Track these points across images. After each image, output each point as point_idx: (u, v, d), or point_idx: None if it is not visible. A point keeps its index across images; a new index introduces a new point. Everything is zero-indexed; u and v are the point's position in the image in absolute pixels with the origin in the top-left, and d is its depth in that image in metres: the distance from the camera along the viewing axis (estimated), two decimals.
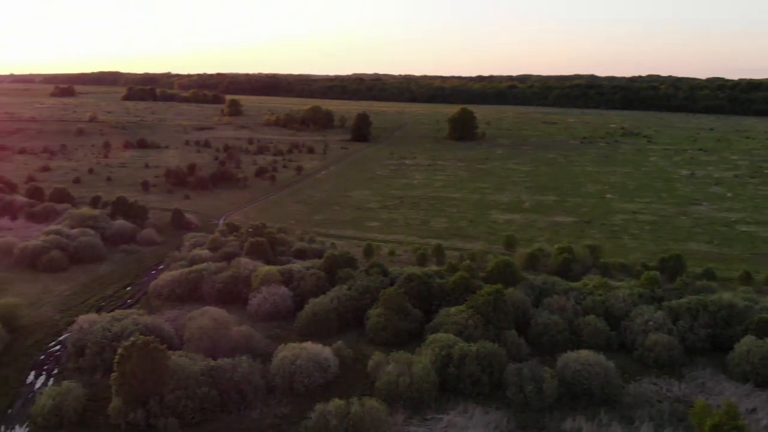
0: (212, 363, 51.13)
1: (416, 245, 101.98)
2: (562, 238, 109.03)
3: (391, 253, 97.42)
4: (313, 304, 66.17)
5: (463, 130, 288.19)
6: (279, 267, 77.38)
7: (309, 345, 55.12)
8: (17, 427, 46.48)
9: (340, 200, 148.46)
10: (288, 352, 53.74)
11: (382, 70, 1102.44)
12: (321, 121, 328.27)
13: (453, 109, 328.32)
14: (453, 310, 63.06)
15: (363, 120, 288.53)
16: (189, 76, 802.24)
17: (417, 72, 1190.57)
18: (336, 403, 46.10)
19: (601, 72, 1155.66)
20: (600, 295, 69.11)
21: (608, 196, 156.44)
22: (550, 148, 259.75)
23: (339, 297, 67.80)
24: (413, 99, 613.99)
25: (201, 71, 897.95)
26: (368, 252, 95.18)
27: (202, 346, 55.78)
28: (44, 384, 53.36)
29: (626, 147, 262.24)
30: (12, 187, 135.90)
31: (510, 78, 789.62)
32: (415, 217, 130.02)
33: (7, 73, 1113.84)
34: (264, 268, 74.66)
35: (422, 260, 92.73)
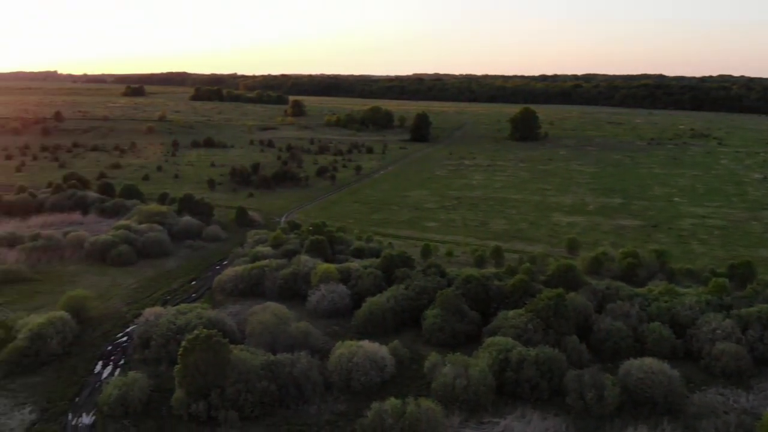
0: (272, 358, 52.08)
1: (474, 246, 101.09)
2: (627, 242, 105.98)
3: (449, 253, 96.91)
4: (370, 302, 66.54)
5: (524, 130, 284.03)
6: (337, 265, 78.20)
7: (366, 343, 55.43)
8: (84, 415, 48.30)
9: (398, 200, 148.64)
10: (345, 349, 54.19)
11: (442, 69, 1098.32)
12: (380, 122, 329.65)
13: (514, 109, 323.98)
14: (512, 313, 62.23)
15: (422, 120, 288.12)
16: (254, 77, 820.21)
17: (478, 71, 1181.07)
18: (392, 402, 46.19)
19: (670, 72, 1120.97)
20: (666, 301, 66.86)
21: (676, 199, 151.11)
22: (616, 149, 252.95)
23: (396, 296, 67.94)
24: (474, 99, 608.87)
25: (266, 72, 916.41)
26: (425, 252, 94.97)
27: (263, 341, 56.89)
28: (111, 374, 55.30)
29: (695, 149, 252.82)
30: (84, 183, 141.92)
31: (575, 77, 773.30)
32: (473, 218, 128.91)
33: (80, 73, 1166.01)
34: (323, 266, 75.61)
35: (480, 262, 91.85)
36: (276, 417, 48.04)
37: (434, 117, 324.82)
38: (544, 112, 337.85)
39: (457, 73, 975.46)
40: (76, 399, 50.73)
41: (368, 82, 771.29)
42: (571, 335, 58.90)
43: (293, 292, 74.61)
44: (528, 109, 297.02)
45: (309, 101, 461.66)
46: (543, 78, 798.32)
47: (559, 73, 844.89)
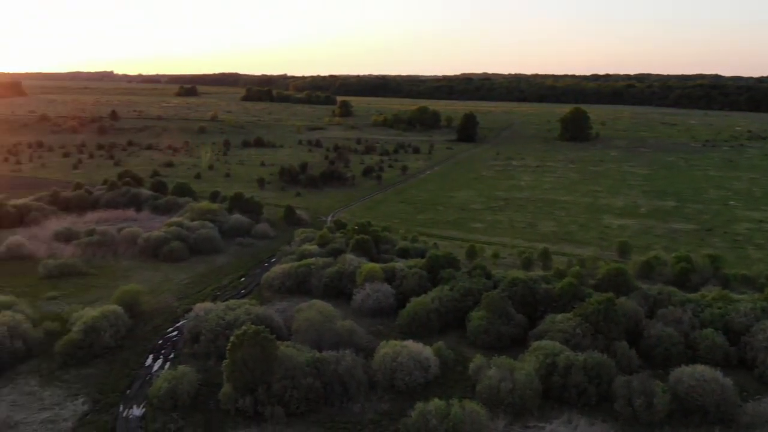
0: (317, 355, 52.58)
1: (521, 248, 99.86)
2: (680, 246, 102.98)
3: (495, 255, 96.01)
4: (415, 303, 66.48)
5: (575, 130, 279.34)
6: (382, 264, 78.41)
7: (410, 343, 55.43)
8: (135, 407, 49.60)
9: (444, 200, 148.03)
10: (389, 349, 54.30)
11: (491, 69, 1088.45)
12: (427, 122, 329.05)
13: (565, 109, 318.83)
14: (559, 317, 61.26)
15: (469, 120, 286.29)
16: (303, 77, 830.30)
17: (527, 71, 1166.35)
18: (436, 403, 46.07)
19: (726, 72, 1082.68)
20: (719, 308, 64.73)
21: (732, 203, 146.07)
22: (670, 150, 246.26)
23: (440, 297, 67.69)
24: (523, 98, 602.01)
25: (315, 73, 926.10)
26: (471, 253, 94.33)
27: (309, 338, 57.48)
28: (161, 367, 56.65)
29: (753, 151, 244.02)
30: (138, 181, 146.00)
31: (627, 77, 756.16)
32: (521, 220, 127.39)
33: (135, 73, 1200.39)
34: (368, 265, 75.94)
35: (527, 264, 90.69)
36: (321, 414, 48.48)
37: (482, 117, 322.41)
38: (595, 112, 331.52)
39: (505, 72, 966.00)
40: (127, 391, 52.09)
41: (416, 82, 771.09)
42: (620, 341, 57.67)
43: (338, 290, 75.20)
44: (579, 109, 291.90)
45: (356, 101, 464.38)
46: (594, 78, 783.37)
47: (611, 72, 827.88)
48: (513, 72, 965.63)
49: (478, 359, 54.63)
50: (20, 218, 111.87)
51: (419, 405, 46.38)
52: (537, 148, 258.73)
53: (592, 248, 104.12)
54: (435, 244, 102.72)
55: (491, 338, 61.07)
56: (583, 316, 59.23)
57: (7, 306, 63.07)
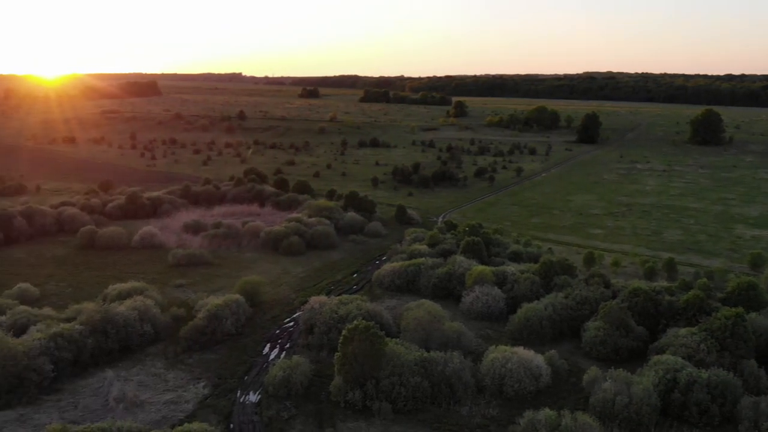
0: (425, 354, 52.71)
1: (644, 257, 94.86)
2: None
3: (615, 263, 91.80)
4: (527, 308, 64.92)
5: (707, 133, 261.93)
6: (493, 268, 77.24)
7: (521, 350, 54.24)
8: (251, 393, 51.83)
9: (561, 204, 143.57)
10: (499, 354, 53.44)
11: (615, 67, 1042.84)
12: (545, 122, 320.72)
13: (696, 111, 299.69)
14: (683, 331, 57.60)
15: (591, 120, 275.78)
16: (420, 78, 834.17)
17: (655, 70, 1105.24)
18: (546, 413, 44.79)
19: None
20: None
21: None
22: None
23: (554, 304, 65.65)
24: (650, 99, 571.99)
25: (431, 74, 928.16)
26: (589, 260, 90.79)
27: (417, 337, 57.75)
28: (277, 356, 58.86)
29: None
30: (263, 178, 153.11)
31: (765, 77, 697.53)
32: (644, 227, 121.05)
33: (262, 75, 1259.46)
34: (478, 268, 75.09)
35: (650, 274, 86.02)
36: (427, 413, 48.54)
37: (605, 117, 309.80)
38: (729, 114, 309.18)
39: (631, 71, 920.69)
40: (245, 377, 54.50)
41: (535, 81, 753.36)
42: (749, 359, 53.37)
43: (447, 291, 74.95)
44: (711, 110, 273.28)
45: (472, 102, 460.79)
46: (729, 78, 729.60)
47: (747, 72, 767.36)
48: (639, 71, 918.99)
49: (593, 371, 52.51)
50: (154, 210, 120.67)
51: (528, 413, 45.30)
52: (664, 151, 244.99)
53: (721, 260, 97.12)
54: (549, 249, 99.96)
55: (608, 350, 58.53)
56: (708, 331, 55.37)
57: (139, 291, 68.13)
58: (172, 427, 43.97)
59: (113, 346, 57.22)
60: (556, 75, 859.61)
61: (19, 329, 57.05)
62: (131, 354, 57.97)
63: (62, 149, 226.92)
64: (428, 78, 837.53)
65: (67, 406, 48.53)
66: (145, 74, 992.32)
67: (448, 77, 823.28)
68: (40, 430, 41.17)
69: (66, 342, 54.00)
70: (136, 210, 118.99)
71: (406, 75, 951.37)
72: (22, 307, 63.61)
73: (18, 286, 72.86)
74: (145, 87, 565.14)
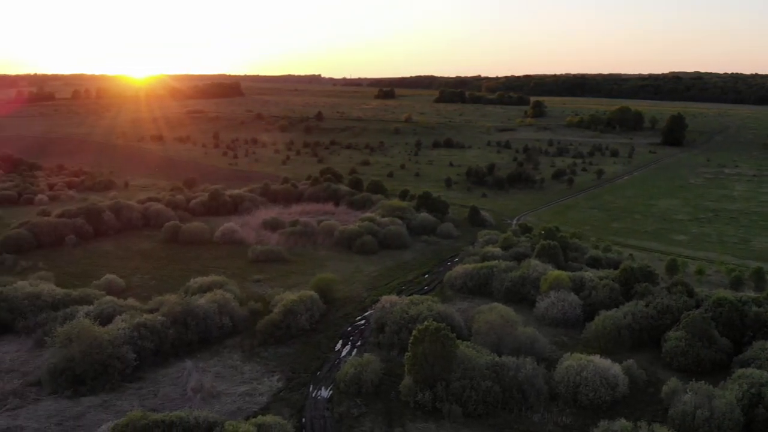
0: (497, 359, 52.02)
1: (731, 266, 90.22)
2: None
3: (699, 271, 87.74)
4: (605, 316, 62.88)
5: None
6: (570, 273, 75.24)
7: (597, 358, 52.64)
8: (323, 388, 52.56)
9: (643, 209, 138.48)
10: (574, 361, 52.07)
11: (703, 67, 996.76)
12: (628, 123, 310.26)
13: None
14: None
15: (677, 122, 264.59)
16: (497, 78, 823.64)
17: (746, 70, 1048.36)
18: (623, 424, 43.30)
19: None
20: None
21: None
22: None
23: (634, 313, 63.29)
24: (739, 100, 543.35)
25: (509, 74, 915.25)
26: (671, 268, 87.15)
27: (488, 341, 57.08)
28: (349, 353, 59.43)
29: None
30: (338, 178, 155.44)
31: None
32: (732, 234, 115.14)
33: (340, 76, 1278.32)
34: (554, 273, 73.36)
35: (736, 284, 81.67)
36: (498, 418, 47.89)
37: (691, 119, 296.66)
38: None
39: (720, 71, 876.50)
40: (318, 373, 55.32)
41: (618, 81, 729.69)
42: None
43: (521, 295, 73.63)
44: None
45: (551, 102, 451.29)
46: None
47: None
48: (729, 71, 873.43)
49: (672, 382, 50.34)
50: (235, 207, 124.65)
51: (604, 423, 43.93)
52: (755, 155, 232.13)
53: None
54: (630, 255, 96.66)
55: (689, 361, 55.97)
56: None
57: (219, 285, 70.48)
58: (247, 418, 45.18)
59: (193, 337, 59.42)
60: (640, 75, 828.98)
61: (105, 318, 60.07)
62: (210, 345, 59.98)
63: (150, 147, 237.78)
64: (505, 78, 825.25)
65: (148, 394, 50.73)
66: (229, 76, 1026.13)
67: (526, 77, 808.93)
68: (122, 416, 43.18)
69: (149, 332, 56.50)
70: (218, 207, 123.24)
71: (483, 75, 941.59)
72: (109, 298, 67.03)
73: (105, 277, 76.91)
74: (228, 88, 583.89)
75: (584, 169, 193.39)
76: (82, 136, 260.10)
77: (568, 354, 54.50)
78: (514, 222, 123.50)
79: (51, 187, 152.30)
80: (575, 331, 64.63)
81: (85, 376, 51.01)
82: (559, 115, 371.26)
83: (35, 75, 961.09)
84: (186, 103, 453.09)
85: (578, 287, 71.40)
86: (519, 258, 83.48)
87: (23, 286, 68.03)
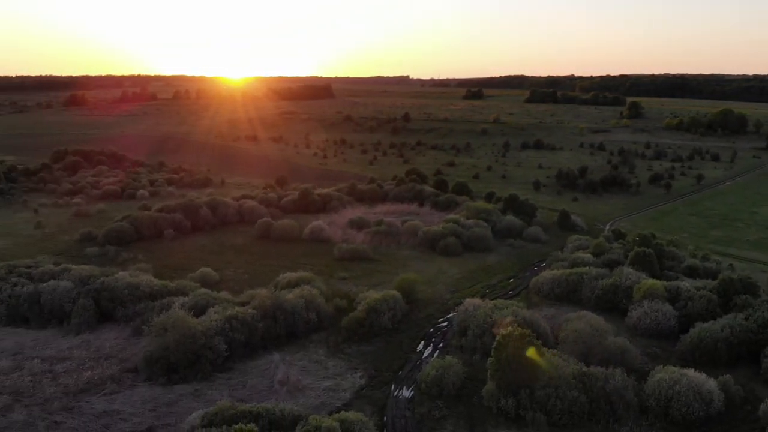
0: (584, 369, 50.57)
1: None
2: None
3: None
4: (701, 329, 59.71)
5: None
6: (665, 282, 71.88)
7: (691, 372, 50.12)
8: (404, 388, 52.77)
9: (746, 216, 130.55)
10: (666, 374, 49.80)
11: None
12: (731, 126, 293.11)
13: None
14: None
15: None
16: (591, 78, 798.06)
17: None
18: None
19: None
20: None
21: None
22: None
23: (732, 326, 59.69)
24: None
25: (604, 73, 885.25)
26: None
27: (576, 350, 55.54)
28: (431, 355, 59.40)
29: None
30: (423, 178, 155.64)
31: None
32: None
33: (428, 77, 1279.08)
34: (648, 281, 70.35)
35: None
36: (584, 429, 46.50)
37: None
38: None
39: None
40: (399, 372, 55.64)
41: (721, 81, 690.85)
42: None
43: (611, 304, 71.05)
44: None
45: (648, 103, 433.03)
46: None
47: None
48: None
49: None
50: (323, 205, 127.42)
51: None
52: None
53: None
54: (730, 265, 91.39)
55: None
56: None
57: (306, 281, 72.26)
58: (330, 413, 46.08)
59: (281, 331, 61.23)
60: (744, 75, 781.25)
61: (199, 310, 62.85)
62: (296, 340, 61.60)
63: (245, 146, 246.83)
64: (600, 77, 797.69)
65: (237, 384, 52.70)
66: (321, 78, 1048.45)
67: (622, 76, 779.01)
68: (212, 405, 45.04)
69: (239, 324, 58.70)
70: (308, 205, 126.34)
71: (576, 74, 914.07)
72: (203, 290, 70.11)
73: (200, 270, 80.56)
74: (320, 90, 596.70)
75: (683, 174, 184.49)
76: (183, 135, 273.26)
77: (661, 366, 52.21)
78: (607, 227, 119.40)
79: (152, 183, 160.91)
80: (669, 343, 61.79)
81: (179, 364, 53.56)
82: (656, 117, 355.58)
83: (139, 76, 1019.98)
84: (280, 104, 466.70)
85: (673, 297, 68.21)
86: (611, 265, 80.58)
87: (124, 276, 72.37)
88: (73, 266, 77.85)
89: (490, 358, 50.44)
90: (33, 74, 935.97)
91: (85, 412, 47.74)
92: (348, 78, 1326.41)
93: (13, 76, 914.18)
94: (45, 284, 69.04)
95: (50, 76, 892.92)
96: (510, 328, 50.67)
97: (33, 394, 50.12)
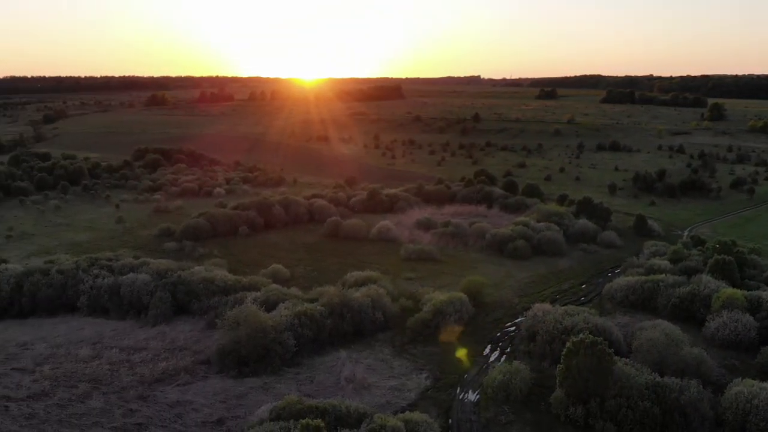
0: (658, 379, 48.84)
1: None
2: None
3: None
4: None
5: None
6: (746, 292, 68.39)
7: None
8: (470, 391, 52.40)
9: None
10: (745, 387, 47.44)
11: None
12: None
13: None
14: None
15: None
16: (671, 78, 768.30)
17: None
18: None
19: None
20: None
21: None
22: None
23: None
24: None
25: (684, 73, 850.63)
26: None
27: (649, 360, 53.68)
28: (497, 359, 58.75)
29: None
30: (492, 180, 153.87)
31: None
32: None
33: (500, 77, 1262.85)
34: (727, 291, 67.12)
35: None
36: None
37: None
38: None
39: None
40: (465, 375, 55.34)
41: None
42: None
43: (688, 313, 68.20)
44: None
45: (732, 104, 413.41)
46: None
47: None
48: None
49: None
50: (390, 206, 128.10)
51: None
52: None
53: None
54: None
55: None
56: None
57: (373, 281, 72.85)
58: (395, 413, 46.30)
59: (348, 328, 62.01)
60: None
61: (270, 305, 64.46)
62: (362, 338, 62.21)
63: (316, 147, 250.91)
64: (680, 77, 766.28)
65: (304, 380, 53.68)
66: (391, 78, 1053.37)
67: (703, 77, 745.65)
68: (280, 399, 46.02)
69: (308, 320, 59.84)
70: (375, 205, 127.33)
71: (655, 74, 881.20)
72: (274, 286, 71.86)
73: (272, 266, 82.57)
74: (390, 91, 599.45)
75: (767, 179, 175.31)
76: (257, 136, 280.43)
77: (739, 379, 49.85)
78: (686, 233, 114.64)
79: (228, 181, 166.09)
80: (748, 356, 58.85)
81: (249, 358, 55.06)
82: (740, 119, 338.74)
83: (216, 77, 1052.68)
84: (350, 105, 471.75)
85: (754, 308, 64.87)
86: (689, 273, 77.38)
87: (199, 271, 75.05)
88: (152, 260, 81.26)
89: (559, 365, 49.44)
90: (117, 75, 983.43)
91: (159, 401, 49.75)
92: (418, 78, 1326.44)
93: (98, 76, 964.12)
94: (125, 277, 72.39)
95: (133, 77, 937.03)
96: (581, 335, 49.50)
97: (111, 383, 52.61)
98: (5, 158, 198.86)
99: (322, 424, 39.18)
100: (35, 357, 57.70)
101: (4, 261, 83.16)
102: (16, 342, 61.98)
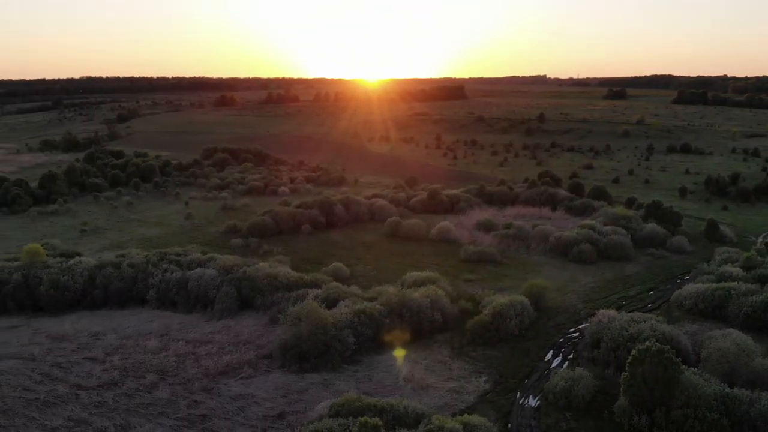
0: (727, 390, 46.89)
1: None
2: None
3: None
4: None
5: None
6: None
7: None
8: (530, 397, 51.62)
9: None
10: None
11: None
12: None
13: None
14: None
15: None
16: (746, 79, 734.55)
17: None
18: None
19: None
20: None
21: None
22: None
23: None
24: None
25: (760, 74, 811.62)
26: None
27: (719, 370, 51.60)
28: (559, 365, 57.67)
29: None
30: (556, 181, 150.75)
31: None
32: None
33: (567, 77, 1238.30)
34: None
35: None
36: None
37: None
38: None
39: None
40: (526, 380, 54.51)
41: None
42: None
43: (762, 323, 65.03)
44: None
45: None
46: None
47: None
48: None
49: None
50: (451, 206, 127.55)
51: None
52: None
53: None
54: None
55: None
56: None
57: (432, 281, 72.71)
58: (453, 415, 46.11)
59: (406, 328, 62.12)
60: None
61: (331, 302, 65.36)
62: (421, 338, 62.23)
63: (378, 147, 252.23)
64: (756, 78, 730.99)
65: (363, 378, 54.12)
66: (454, 78, 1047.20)
67: None
68: (339, 396, 46.55)
69: (367, 319, 60.35)
70: (436, 206, 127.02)
71: (729, 74, 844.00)
72: (335, 284, 72.79)
73: (333, 264, 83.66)
74: (452, 91, 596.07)
75: None
76: (321, 136, 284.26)
77: None
78: (760, 240, 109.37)
79: (292, 180, 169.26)
80: None
81: (310, 354, 55.98)
82: None
83: (283, 78, 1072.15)
84: (413, 105, 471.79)
85: None
86: (763, 281, 73.88)
87: (264, 267, 76.85)
88: (219, 256, 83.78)
89: (624, 373, 48.11)
90: (187, 75, 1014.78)
91: (222, 393, 51.19)
92: (481, 78, 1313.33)
93: (170, 77, 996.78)
94: (192, 271, 74.86)
95: (203, 78, 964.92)
96: (647, 343, 48.02)
97: (177, 374, 54.47)
98: (81, 155, 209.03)
99: (380, 423, 39.40)
100: (105, 347, 60.34)
101: (78, 254, 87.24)
102: (88, 332, 64.97)
